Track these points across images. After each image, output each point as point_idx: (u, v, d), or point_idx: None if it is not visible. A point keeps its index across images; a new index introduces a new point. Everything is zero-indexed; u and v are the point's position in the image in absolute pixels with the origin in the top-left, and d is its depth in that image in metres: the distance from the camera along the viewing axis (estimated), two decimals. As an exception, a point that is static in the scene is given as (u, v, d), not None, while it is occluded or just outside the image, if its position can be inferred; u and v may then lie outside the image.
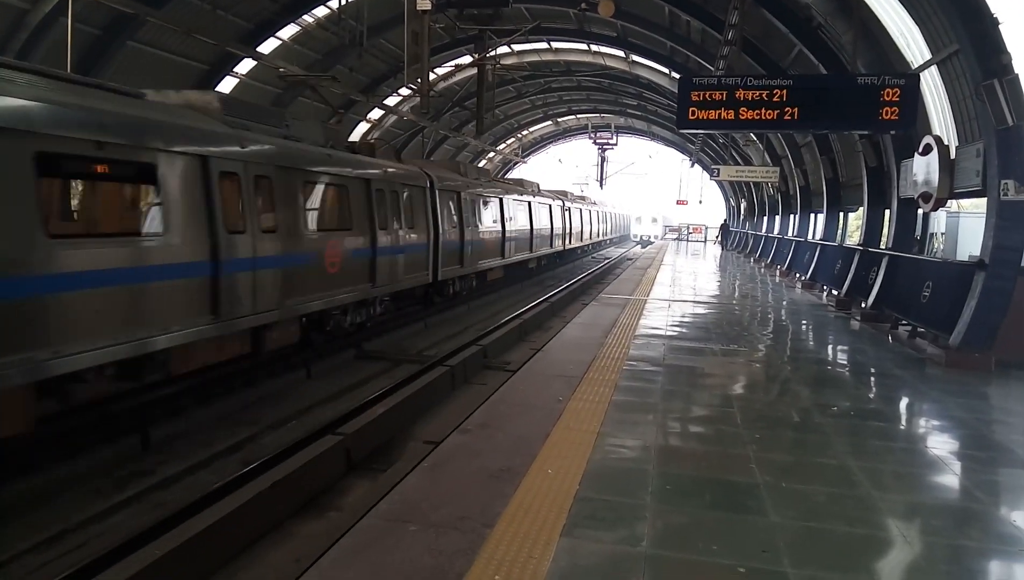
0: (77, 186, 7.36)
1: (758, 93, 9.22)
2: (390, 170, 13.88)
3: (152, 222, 7.62)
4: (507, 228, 21.86)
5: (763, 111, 9.23)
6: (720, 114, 9.38)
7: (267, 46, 21.62)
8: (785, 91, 9.17)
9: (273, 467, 7.06)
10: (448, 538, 3.47)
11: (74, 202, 7.47)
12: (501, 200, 21.54)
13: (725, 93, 9.33)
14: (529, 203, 24.84)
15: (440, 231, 16.11)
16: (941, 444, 6.07)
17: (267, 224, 9.52)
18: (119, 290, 7.08)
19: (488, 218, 20.25)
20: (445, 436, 5.30)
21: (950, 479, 5.02)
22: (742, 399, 6.82)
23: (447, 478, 4.25)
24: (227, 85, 22.14)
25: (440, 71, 30.10)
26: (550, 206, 27.96)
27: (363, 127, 31.51)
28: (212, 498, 6.44)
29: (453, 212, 17.27)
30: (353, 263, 11.97)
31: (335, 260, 11.30)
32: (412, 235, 14.68)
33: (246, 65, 21.85)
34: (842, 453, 5.22)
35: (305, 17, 21.73)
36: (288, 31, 22.18)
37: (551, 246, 27.97)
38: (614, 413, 5.84)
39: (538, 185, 28.28)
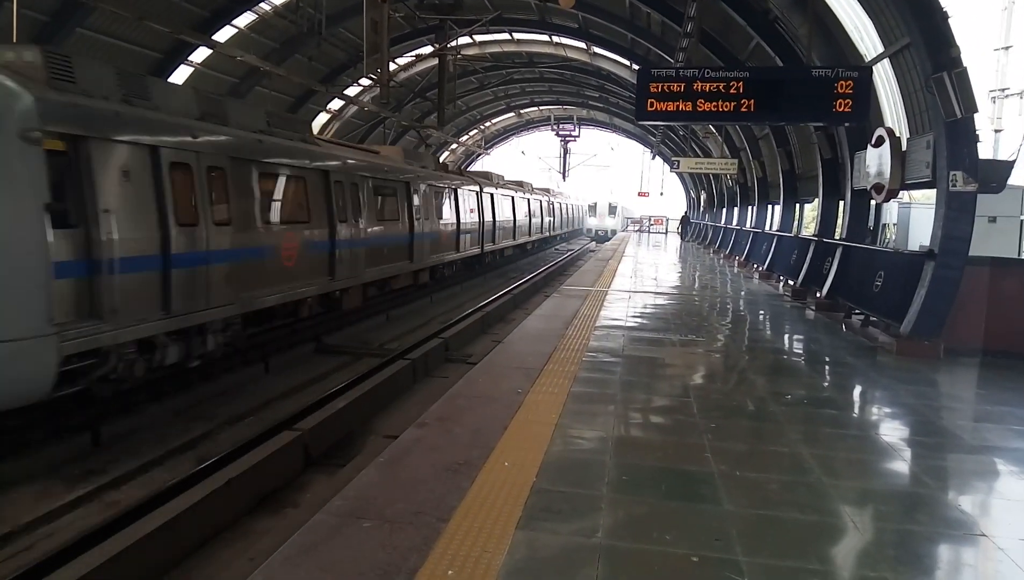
0: (379, 198, 15.26)
1: (715, 85, 9.30)
2: (462, 181, 22.34)
3: (394, 214, 16.12)
4: (517, 218, 29.90)
5: (720, 103, 9.31)
6: (678, 106, 9.44)
7: (223, 34, 21.15)
8: (742, 83, 9.26)
9: (228, 464, 6.96)
10: (402, 533, 3.43)
11: (379, 205, 15.21)
12: (513, 197, 29.34)
13: (683, 85, 9.39)
14: (528, 199, 33.03)
15: (484, 220, 24.20)
16: (891, 431, 6.20)
17: (426, 216, 18.12)
18: (387, 246, 15.53)
19: (507, 211, 28.24)
20: (403, 430, 5.25)
21: (899, 465, 5.13)
22: (699, 389, 6.89)
23: (403, 473, 4.21)
24: (182, 74, 21.61)
25: (401, 61, 29.80)
26: (541, 201, 36.75)
27: (323, 117, 31.06)
28: (165, 496, 6.32)
29: (489, 207, 25.07)
30: (449, 238, 20.46)
31: (443, 235, 19.83)
32: (472, 222, 22.86)
33: (201, 54, 21.36)
34: (795, 441, 5.30)
35: (262, 5, 21.29)
36: (245, 19, 21.73)
37: (541, 232, 37.29)
38: (573, 405, 5.85)
39: (532, 184, 37.21)
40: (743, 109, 9.32)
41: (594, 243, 49.96)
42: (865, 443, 5.48)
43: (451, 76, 24.19)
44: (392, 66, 27.11)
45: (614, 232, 54.42)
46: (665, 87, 9.46)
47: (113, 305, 7.40)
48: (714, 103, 9.34)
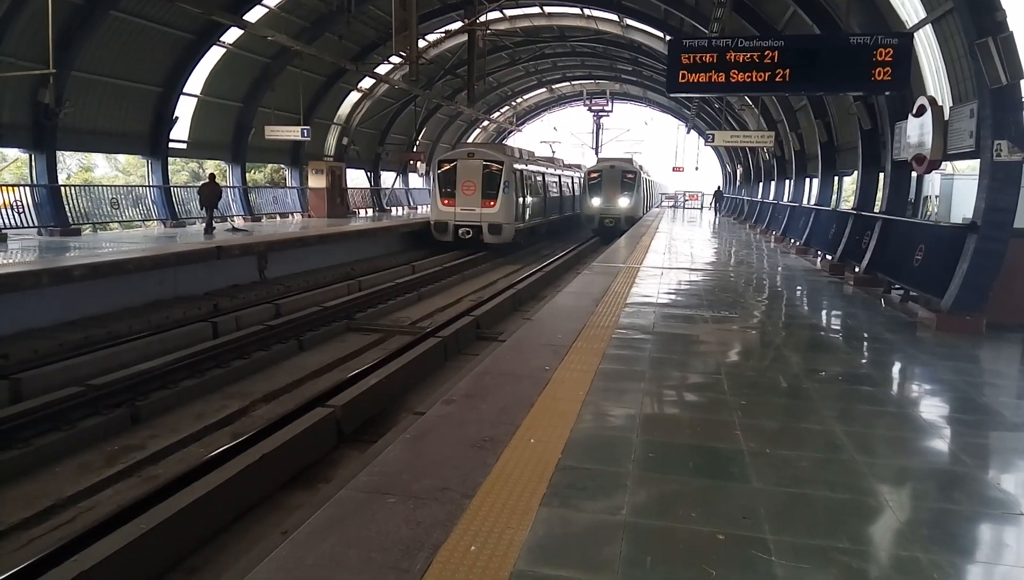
0: (556, 183, 32.90)
1: (749, 55, 9.06)
2: (567, 170, 37.68)
3: (557, 189, 32.86)
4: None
5: (754, 73, 9.08)
6: (711, 77, 9.23)
7: (254, 14, 21.22)
8: (776, 52, 9.02)
9: (262, 440, 7.08)
10: (427, 509, 3.44)
11: (557, 186, 33.15)
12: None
13: (716, 55, 9.17)
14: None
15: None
16: (928, 408, 6.06)
17: (561, 191, 34.10)
18: (558, 204, 32.87)
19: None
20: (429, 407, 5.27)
21: (936, 443, 5.00)
22: (730, 366, 6.79)
23: (429, 449, 4.22)
24: (214, 55, 21.76)
25: (431, 37, 29.65)
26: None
27: (354, 96, 31.09)
28: (200, 471, 6.46)
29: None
30: (568, 202, 35.40)
31: (567, 200, 35.60)
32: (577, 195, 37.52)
33: (233, 34, 21.48)
34: (828, 418, 5.20)
35: (292, -17, 21.34)
36: (275, -1, 21.81)
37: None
38: (600, 382, 5.81)
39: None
40: (778, 79, 9.08)
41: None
42: (901, 420, 5.35)
43: (481, 52, 23.99)
44: (422, 43, 26.99)
45: (630, 220, 31.34)
46: (697, 58, 9.25)
47: (519, 217, 24.90)
48: (748, 73, 9.11)
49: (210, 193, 18.58)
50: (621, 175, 33.00)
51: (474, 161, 23.81)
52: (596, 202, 33.16)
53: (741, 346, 7.78)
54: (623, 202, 32.89)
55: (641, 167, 36.83)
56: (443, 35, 29.56)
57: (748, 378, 6.36)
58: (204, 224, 18.62)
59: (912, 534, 3.54)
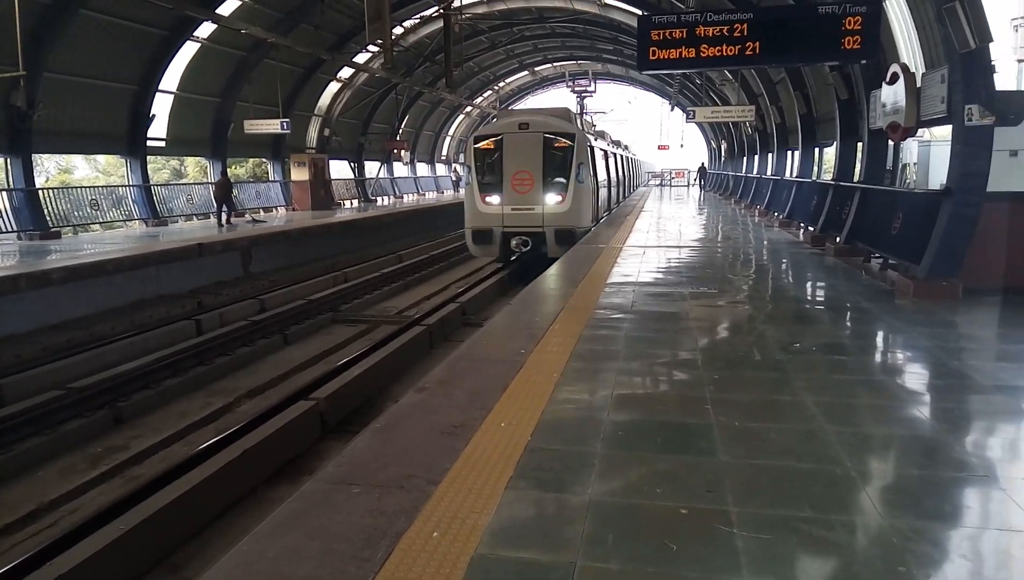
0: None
1: (718, 29, 9.02)
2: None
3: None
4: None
5: (724, 47, 9.04)
6: (681, 53, 9.19)
7: (227, 7, 21.01)
8: (746, 25, 8.98)
9: (244, 435, 7.09)
10: (392, 498, 3.45)
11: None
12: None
13: (685, 31, 9.12)
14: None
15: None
16: (901, 375, 6.10)
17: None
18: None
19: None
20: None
21: (906, 409, 5.03)
22: (706, 341, 6.80)
23: (398, 437, 4.23)
24: (188, 51, 21.55)
25: (408, 24, 29.41)
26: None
27: (334, 87, 30.86)
28: (183, 469, 6.47)
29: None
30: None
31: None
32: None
33: (206, 29, 21.26)
34: (799, 389, 5.23)
35: (264, -25, 21.10)
36: (248, -9, 21.57)
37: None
38: (575, 363, 5.82)
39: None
40: (748, 53, 9.05)
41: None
42: (872, 388, 5.38)
43: (458, 37, 23.82)
44: (398, 30, 26.78)
45: (566, 236, 16.22)
46: (667, 34, 9.21)
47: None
48: (718, 48, 9.07)
49: (223, 189, 20.79)
50: (544, 144, 16.62)
51: None
52: (493, 201, 16.77)
53: (718, 321, 7.81)
54: (550, 199, 16.66)
55: (602, 134, 24.66)
56: (419, 21, 29.32)
57: (723, 353, 6.39)
58: (217, 218, 20.93)
59: (876, 500, 3.57)
